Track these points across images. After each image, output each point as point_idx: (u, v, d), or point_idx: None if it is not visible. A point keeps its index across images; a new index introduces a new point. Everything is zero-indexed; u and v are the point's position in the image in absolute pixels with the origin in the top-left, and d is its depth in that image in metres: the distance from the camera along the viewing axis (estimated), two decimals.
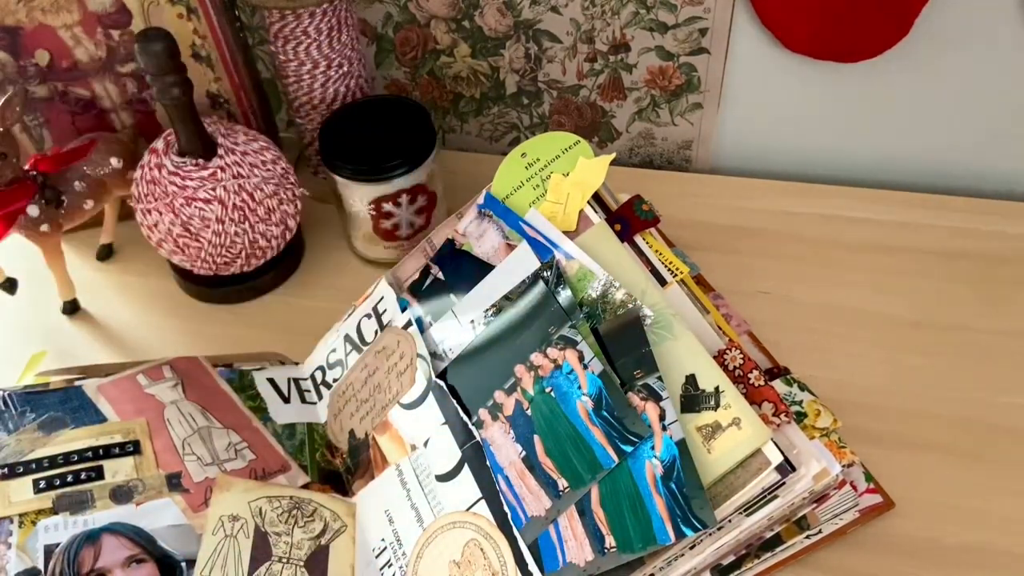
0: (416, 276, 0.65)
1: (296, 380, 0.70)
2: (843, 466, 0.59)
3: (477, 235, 0.61)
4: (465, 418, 0.57)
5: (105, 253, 0.86)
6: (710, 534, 0.51)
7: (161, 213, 0.73)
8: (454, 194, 0.81)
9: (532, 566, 0.53)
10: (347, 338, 0.68)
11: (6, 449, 0.61)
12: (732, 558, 0.57)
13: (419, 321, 0.62)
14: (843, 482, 0.57)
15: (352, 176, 0.74)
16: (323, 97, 0.81)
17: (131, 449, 0.61)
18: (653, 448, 0.49)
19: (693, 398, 0.52)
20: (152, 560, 0.57)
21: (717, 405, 0.51)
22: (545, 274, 0.57)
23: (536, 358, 0.55)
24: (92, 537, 0.58)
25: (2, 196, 0.71)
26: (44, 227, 0.74)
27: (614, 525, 0.49)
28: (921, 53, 0.78)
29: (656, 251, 0.60)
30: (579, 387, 0.52)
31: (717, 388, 0.51)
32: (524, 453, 0.53)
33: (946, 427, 0.66)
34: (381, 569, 0.57)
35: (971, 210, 0.82)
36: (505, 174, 0.64)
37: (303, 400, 0.69)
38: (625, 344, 0.52)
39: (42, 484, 0.60)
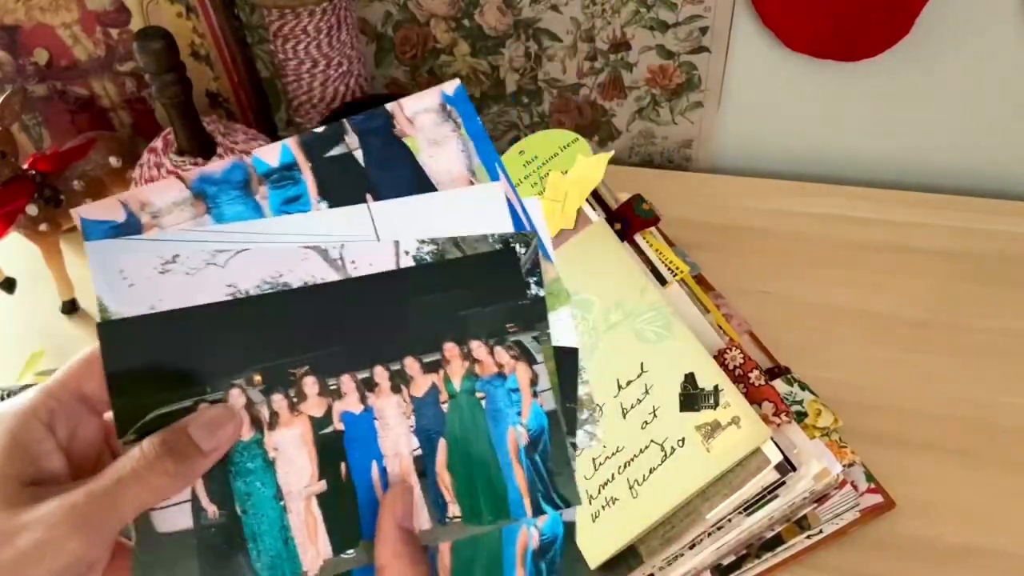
0: (323, 130, 0.45)
1: None
2: (844, 466, 0.59)
3: (431, 138, 0.45)
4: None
5: None
6: (709, 533, 0.51)
7: None
8: None
9: None
10: None
11: None
12: (732, 558, 0.57)
13: (302, 197, 0.43)
14: (844, 482, 0.57)
15: None
16: (322, 96, 0.81)
17: None
18: (520, 414, 0.43)
19: (692, 397, 0.51)
20: None
21: (716, 404, 0.51)
22: (520, 250, 0.45)
23: (478, 349, 0.44)
24: None
25: (1, 195, 0.70)
26: (43, 226, 0.74)
27: (461, 493, 0.42)
28: (922, 52, 0.77)
29: (656, 250, 0.60)
30: (518, 412, 0.44)
31: (716, 387, 0.51)
32: (420, 452, 0.43)
33: (947, 427, 0.66)
34: None
35: (972, 209, 0.82)
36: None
37: None
38: (499, 287, 0.44)
39: None
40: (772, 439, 0.49)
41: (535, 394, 0.43)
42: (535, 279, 0.46)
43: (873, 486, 0.61)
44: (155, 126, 0.84)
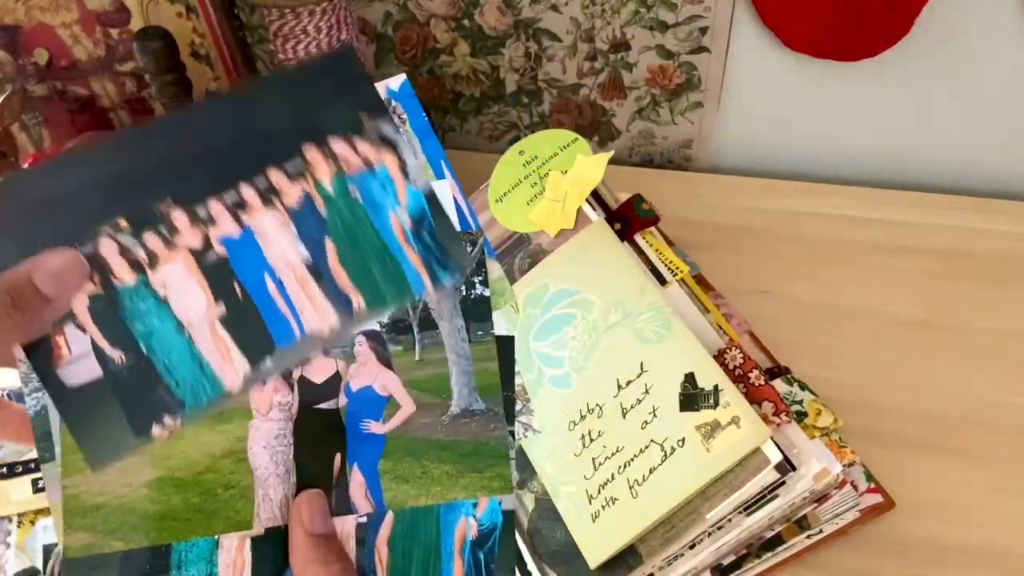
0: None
1: None
2: (844, 465, 0.59)
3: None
4: None
5: None
6: (709, 533, 0.51)
7: None
8: None
9: (531, 566, 0.53)
10: None
11: (5, 448, 0.61)
12: (732, 558, 0.57)
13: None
14: (844, 481, 0.57)
15: None
16: None
17: None
18: (475, 507, 0.43)
19: (692, 396, 0.51)
20: None
21: (716, 404, 0.51)
22: (468, 248, 0.45)
23: (338, 146, 0.43)
24: None
25: None
26: None
27: (360, 283, 0.42)
28: (922, 51, 0.77)
29: (656, 250, 0.60)
30: (396, 199, 0.43)
31: (716, 387, 0.51)
32: (309, 258, 0.43)
33: (947, 427, 0.66)
34: None
35: (972, 209, 0.82)
36: (503, 172, 0.63)
37: None
38: (343, 81, 0.43)
39: (41, 483, 0.60)
40: (772, 439, 0.49)
41: (407, 177, 0.43)
42: (480, 278, 0.46)
43: (873, 486, 0.61)
44: None
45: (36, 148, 0.85)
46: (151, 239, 0.40)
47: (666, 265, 0.59)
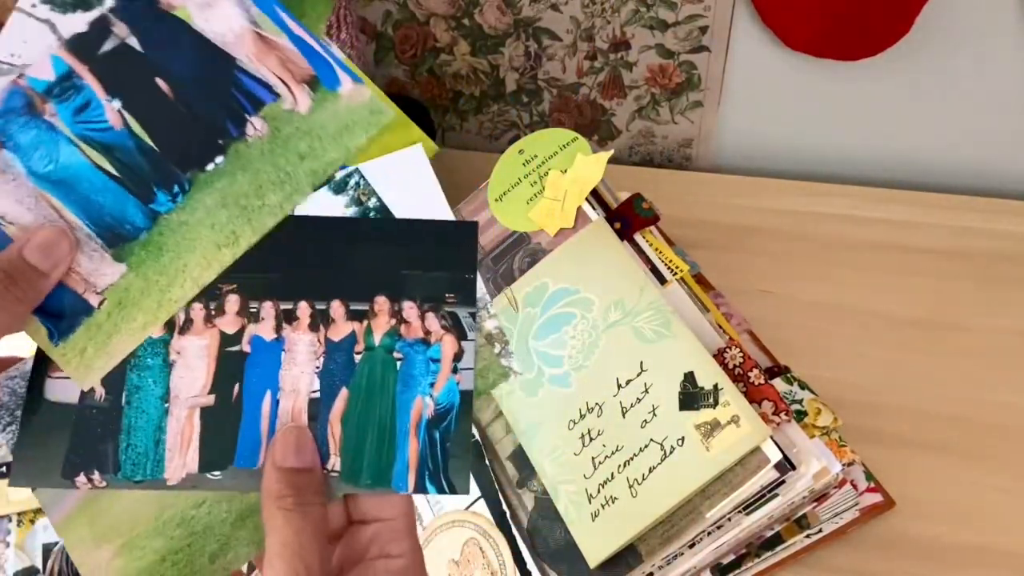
0: (87, 28, 0.41)
1: None
2: (843, 465, 0.59)
3: (201, 1, 0.42)
4: None
5: None
6: (709, 532, 0.51)
7: None
8: (454, 192, 0.81)
9: (531, 565, 0.53)
10: None
11: (4, 448, 0.61)
12: (732, 557, 0.57)
13: (91, 102, 0.41)
14: (843, 481, 0.57)
15: None
16: None
17: None
18: (433, 385, 0.41)
19: (692, 396, 0.51)
20: None
21: (716, 403, 0.51)
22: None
23: (409, 309, 0.42)
24: None
25: None
26: None
27: (347, 448, 0.41)
28: (922, 51, 0.77)
29: (656, 249, 0.60)
30: (431, 383, 0.42)
31: (716, 386, 0.51)
32: (318, 395, 0.41)
33: (947, 426, 0.66)
34: None
35: (972, 208, 0.82)
36: (502, 171, 0.63)
37: None
38: (448, 256, 0.42)
39: None
40: (772, 438, 0.49)
41: (455, 370, 0.42)
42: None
43: (873, 485, 0.61)
44: None
45: None
46: (197, 308, 0.40)
47: (666, 264, 0.59)
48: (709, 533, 0.50)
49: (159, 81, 0.41)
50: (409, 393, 0.41)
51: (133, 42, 0.42)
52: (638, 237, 0.60)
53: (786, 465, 0.49)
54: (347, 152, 0.41)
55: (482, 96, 0.91)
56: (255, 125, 0.40)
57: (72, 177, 0.40)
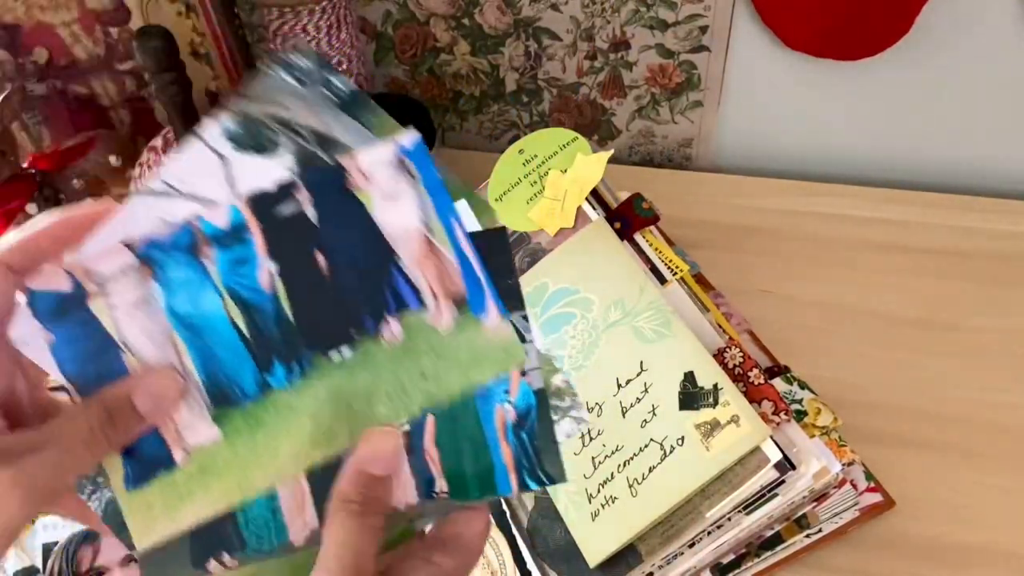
0: (274, 188, 0.43)
1: None
2: (843, 465, 0.59)
3: (386, 192, 0.43)
4: None
5: None
6: (708, 531, 0.51)
7: None
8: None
9: (531, 564, 0.53)
10: None
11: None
12: (732, 557, 0.57)
13: (250, 260, 0.42)
14: (843, 481, 0.57)
15: None
16: None
17: None
18: (508, 392, 0.42)
19: (692, 395, 0.51)
20: None
21: (716, 402, 0.50)
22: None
23: None
24: (90, 536, 0.58)
25: (1, 194, 0.71)
26: None
27: (449, 468, 0.42)
28: (922, 51, 0.77)
29: (656, 249, 0.60)
30: (507, 391, 0.43)
31: (716, 385, 0.51)
32: (407, 427, 0.42)
33: (947, 426, 0.66)
34: None
35: (972, 208, 0.82)
36: (503, 171, 0.63)
37: None
38: (487, 266, 0.42)
39: None
40: (772, 438, 0.49)
41: (523, 373, 0.42)
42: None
43: (873, 485, 0.61)
44: (155, 125, 0.84)
45: (36, 147, 0.85)
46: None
47: (666, 264, 0.59)
48: (709, 533, 0.50)
49: (319, 256, 0.41)
50: (489, 405, 0.41)
51: (310, 212, 0.42)
52: (638, 237, 0.60)
53: (786, 465, 0.48)
54: (468, 386, 0.41)
55: (482, 96, 0.91)
56: (392, 328, 0.40)
57: (206, 326, 0.40)
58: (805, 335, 0.72)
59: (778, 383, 0.64)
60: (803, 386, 0.64)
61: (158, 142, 0.74)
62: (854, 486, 0.60)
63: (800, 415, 0.62)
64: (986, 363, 0.70)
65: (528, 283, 0.60)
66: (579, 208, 0.59)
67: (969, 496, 0.62)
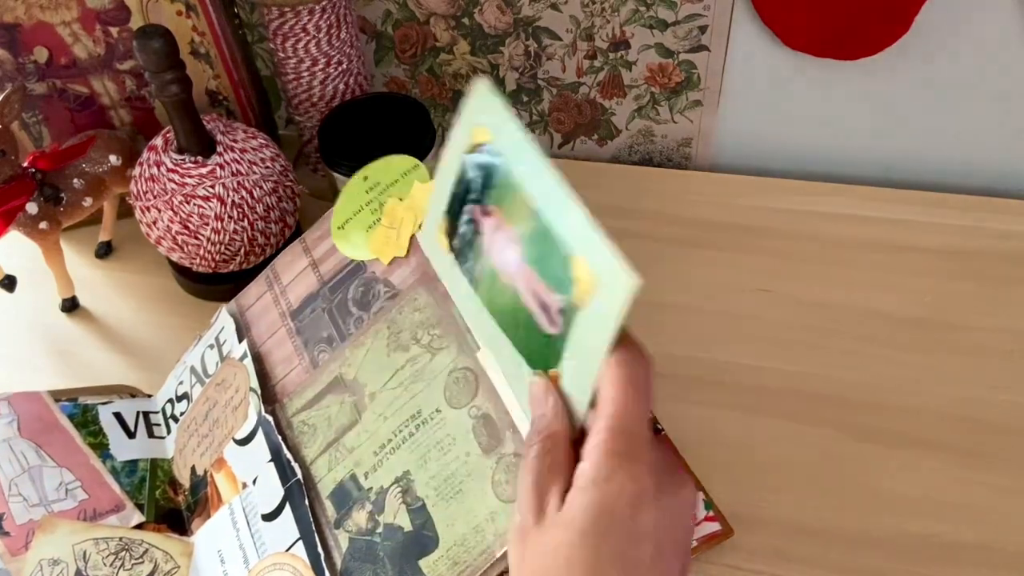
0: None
1: (146, 413, 0.67)
2: None
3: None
4: (289, 455, 0.55)
5: (104, 251, 0.86)
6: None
7: (160, 210, 0.72)
8: None
9: None
10: (192, 370, 0.66)
11: None
12: None
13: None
14: None
15: (351, 173, 0.74)
16: (322, 94, 0.81)
17: None
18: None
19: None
20: None
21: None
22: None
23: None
24: None
25: (1, 193, 0.70)
26: (43, 224, 0.74)
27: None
28: (921, 51, 0.77)
29: None
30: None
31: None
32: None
33: (947, 425, 0.66)
34: None
35: (971, 208, 0.82)
36: (347, 198, 0.62)
37: (151, 435, 0.66)
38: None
39: None
40: None
41: None
42: None
43: (712, 514, 0.60)
44: (155, 124, 0.84)
45: (36, 146, 0.85)
46: None
47: None
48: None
49: None
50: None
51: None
52: None
53: None
54: None
55: None
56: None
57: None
58: (805, 335, 0.72)
59: None
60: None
61: (158, 141, 0.74)
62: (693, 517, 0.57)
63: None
64: (987, 363, 0.70)
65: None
66: (412, 237, 0.57)
67: (969, 496, 0.62)
